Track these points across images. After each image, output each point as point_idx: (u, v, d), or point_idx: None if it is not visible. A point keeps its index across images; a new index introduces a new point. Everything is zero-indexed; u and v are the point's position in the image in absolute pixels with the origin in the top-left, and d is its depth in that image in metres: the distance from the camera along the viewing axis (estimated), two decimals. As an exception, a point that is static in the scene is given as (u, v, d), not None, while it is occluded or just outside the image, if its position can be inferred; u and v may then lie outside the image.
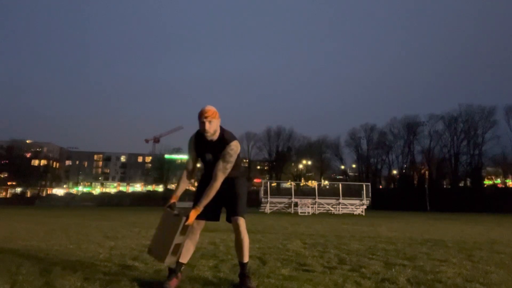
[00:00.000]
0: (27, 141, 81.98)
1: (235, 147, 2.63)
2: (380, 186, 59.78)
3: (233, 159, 2.63)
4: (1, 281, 2.65)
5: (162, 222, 2.57)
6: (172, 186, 75.27)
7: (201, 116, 2.58)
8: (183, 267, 2.69)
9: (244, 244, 2.64)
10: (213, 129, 2.60)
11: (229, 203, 2.68)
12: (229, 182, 2.68)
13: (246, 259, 2.66)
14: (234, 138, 2.67)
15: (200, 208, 2.54)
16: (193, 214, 2.52)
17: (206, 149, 2.67)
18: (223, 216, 2.77)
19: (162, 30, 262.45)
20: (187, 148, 2.77)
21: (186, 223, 2.50)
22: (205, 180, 2.69)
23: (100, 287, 2.56)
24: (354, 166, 67.05)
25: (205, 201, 2.56)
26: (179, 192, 2.70)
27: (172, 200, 2.63)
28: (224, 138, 2.66)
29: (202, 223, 2.71)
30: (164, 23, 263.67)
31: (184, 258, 2.66)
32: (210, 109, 2.60)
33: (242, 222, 2.63)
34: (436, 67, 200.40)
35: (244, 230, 2.64)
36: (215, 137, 2.64)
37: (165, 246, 2.49)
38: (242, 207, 2.67)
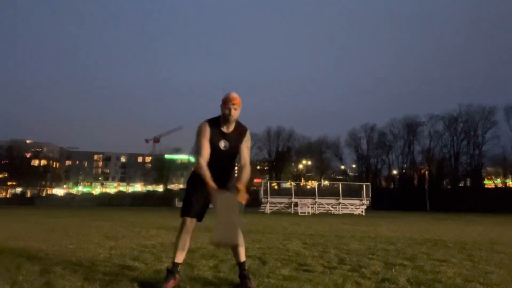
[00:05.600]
0: (27, 141, 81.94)
1: (250, 139, 2.75)
2: (382, 187, 59.75)
3: (248, 144, 2.74)
4: (1, 281, 2.65)
5: (221, 206, 2.39)
6: (172, 186, 75.23)
7: (229, 102, 2.56)
8: (179, 267, 2.70)
9: (241, 244, 2.66)
10: (236, 116, 2.62)
11: None
12: (223, 181, 2.66)
13: (243, 258, 2.68)
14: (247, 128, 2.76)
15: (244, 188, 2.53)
16: (243, 193, 2.50)
17: (221, 136, 2.64)
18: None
19: (163, 30, 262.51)
20: (199, 134, 2.61)
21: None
22: (212, 167, 2.58)
23: (100, 287, 2.56)
24: (354, 166, 66.98)
25: (244, 182, 2.58)
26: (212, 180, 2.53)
27: (212, 184, 2.47)
28: (242, 126, 2.72)
29: (194, 221, 2.70)
30: (165, 23, 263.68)
31: (180, 258, 2.66)
32: (238, 97, 2.60)
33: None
34: (436, 67, 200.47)
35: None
36: (232, 126, 2.66)
37: (234, 225, 2.42)
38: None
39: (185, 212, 2.66)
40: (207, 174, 2.51)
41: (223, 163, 2.67)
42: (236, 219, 2.44)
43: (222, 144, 2.64)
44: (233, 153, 2.70)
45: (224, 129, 2.64)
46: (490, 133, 50.84)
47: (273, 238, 6.34)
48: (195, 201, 2.68)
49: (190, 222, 2.65)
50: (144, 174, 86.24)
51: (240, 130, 2.71)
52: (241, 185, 2.54)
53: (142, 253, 4.26)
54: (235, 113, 2.60)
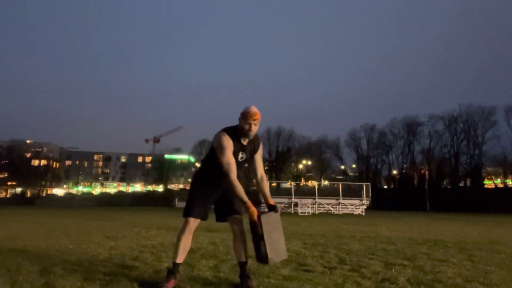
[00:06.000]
0: (27, 141, 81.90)
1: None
2: (382, 187, 59.73)
3: (261, 154, 2.80)
4: (1, 281, 2.65)
5: (267, 227, 2.47)
6: (172, 186, 75.21)
7: (250, 117, 2.52)
8: (179, 267, 2.70)
9: (245, 243, 2.68)
10: (255, 131, 2.62)
11: (229, 202, 2.69)
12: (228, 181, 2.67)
13: (245, 258, 2.68)
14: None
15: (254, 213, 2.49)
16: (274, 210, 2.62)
17: (240, 149, 2.64)
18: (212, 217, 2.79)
19: (163, 30, 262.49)
20: (224, 148, 2.51)
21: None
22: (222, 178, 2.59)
23: (100, 287, 2.56)
24: (354, 166, 67.00)
25: (270, 197, 2.69)
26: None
27: (252, 206, 2.45)
28: (257, 138, 2.74)
29: (198, 222, 2.70)
30: (165, 23, 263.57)
31: (181, 258, 2.65)
32: (258, 112, 2.56)
33: (242, 223, 2.69)
34: (436, 67, 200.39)
35: (243, 229, 2.69)
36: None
37: (281, 243, 2.57)
38: (241, 206, 2.68)
39: (189, 212, 2.65)
40: (243, 192, 2.47)
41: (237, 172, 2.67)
42: (281, 236, 2.57)
43: (240, 155, 2.65)
44: (246, 162, 2.75)
45: (242, 141, 2.63)
46: (490, 133, 50.84)
47: (273, 238, 6.33)
48: (199, 201, 2.69)
49: (194, 222, 2.65)
50: (144, 174, 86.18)
51: (254, 140, 2.71)
52: (272, 201, 2.65)
53: (142, 253, 4.26)
54: (255, 129, 2.57)
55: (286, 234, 7.11)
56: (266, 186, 2.72)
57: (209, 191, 2.69)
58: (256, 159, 2.75)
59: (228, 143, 2.53)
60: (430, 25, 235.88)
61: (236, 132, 2.60)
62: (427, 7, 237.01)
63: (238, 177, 2.61)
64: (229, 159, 2.50)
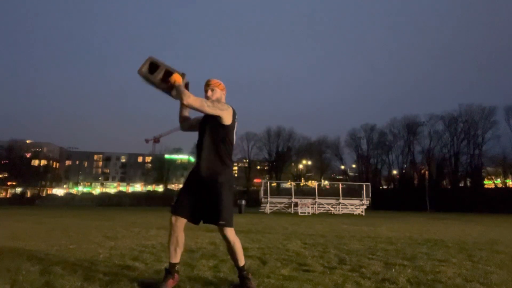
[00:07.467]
0: (27, 141, 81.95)
1: (225, 106, 2.64)
2: (382, 187, 59.75)
3: (216, 104, 2.62)
4: (1, 281, 2.65)
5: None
6: (172, 186, 75.26)
7: (205, 85, 2.76)
8: (177, 267, 2.66)
9: (237, 251, 2.59)
10: (215, 97, 2.73)
11: (214, 211, 2.56)
12: (214, 188, 2.59)
13: (241, 263, 2.62)
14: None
15: (181, 81, 2.65)
16: (176, 77, 2.67)
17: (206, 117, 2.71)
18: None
19: (163, 30, 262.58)
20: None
21: (171, 79, 2.68)
22: (199, 146, 2.72)
23: (100, 287, 2.56)
24: (354, 166, 67.07)
25: (181, 87, 2.62)
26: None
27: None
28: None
29: (183, 221, 2.62)
30: (165, 22, 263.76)
31: (175, 258, 2.62)
32: (214, 79, 2.77)
33: (229, 231, 2.55)
34: (435, 67, 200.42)
35: (233, 238, 2.56)
36: None
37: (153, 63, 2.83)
38: (228, 215, 2.56)
39: (171, 210, 2.65)
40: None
41: (206, 139, 2.67)
42: (158, 61, 2.87)
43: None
44: (213, 129, 2.64)
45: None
46: (490, 133, 51.05)
47: (273, 238, 6.34)
48: (182, 199, 2.65)
49: (175, 220, 2.59)
50: (144, 174, 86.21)
51: None
52: (181, 80, 2.68)
53: (142, 253, 4.25)
54: (211, 94, 2.74)
55: (286, 234, 7.16)
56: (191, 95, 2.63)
57: (195, 188, 2.64)
58: None
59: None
60: (430, 25, 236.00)
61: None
62: (427, 8, 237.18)
63: (208, 145, 2.65)
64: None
